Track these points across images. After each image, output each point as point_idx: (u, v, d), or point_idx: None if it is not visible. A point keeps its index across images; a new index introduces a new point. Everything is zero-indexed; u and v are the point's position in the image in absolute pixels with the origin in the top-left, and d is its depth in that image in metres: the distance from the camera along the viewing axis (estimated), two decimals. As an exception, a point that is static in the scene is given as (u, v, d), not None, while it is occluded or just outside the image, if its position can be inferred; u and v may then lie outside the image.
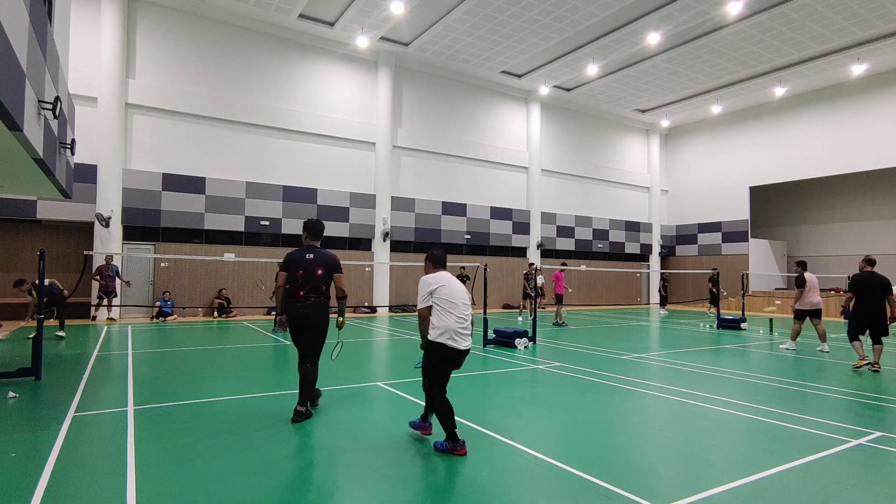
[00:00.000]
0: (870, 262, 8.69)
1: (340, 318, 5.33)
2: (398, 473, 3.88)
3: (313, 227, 5.46)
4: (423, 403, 5.84)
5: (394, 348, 10.30)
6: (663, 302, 21.81)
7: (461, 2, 16.11)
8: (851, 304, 8.79)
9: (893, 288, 8.40)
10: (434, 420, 4.70)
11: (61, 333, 10.81)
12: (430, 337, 4.36)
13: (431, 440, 4.55)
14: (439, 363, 4.35)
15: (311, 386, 5.20)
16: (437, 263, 4.68)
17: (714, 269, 18.71)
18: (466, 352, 4.40)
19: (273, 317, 16.85)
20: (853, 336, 8.64)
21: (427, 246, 20.79)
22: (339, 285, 5.36)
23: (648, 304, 27.45)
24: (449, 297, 4.35)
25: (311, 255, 5.28)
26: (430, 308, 4.37)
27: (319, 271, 5.23)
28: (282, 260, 5.42)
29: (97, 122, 14.97)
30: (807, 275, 10.57)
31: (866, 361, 8.49)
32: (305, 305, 5.18)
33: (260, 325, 14.10)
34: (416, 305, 6.48)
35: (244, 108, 17.31)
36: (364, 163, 19.68)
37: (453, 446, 4.24)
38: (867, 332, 8.51)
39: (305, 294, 5.19)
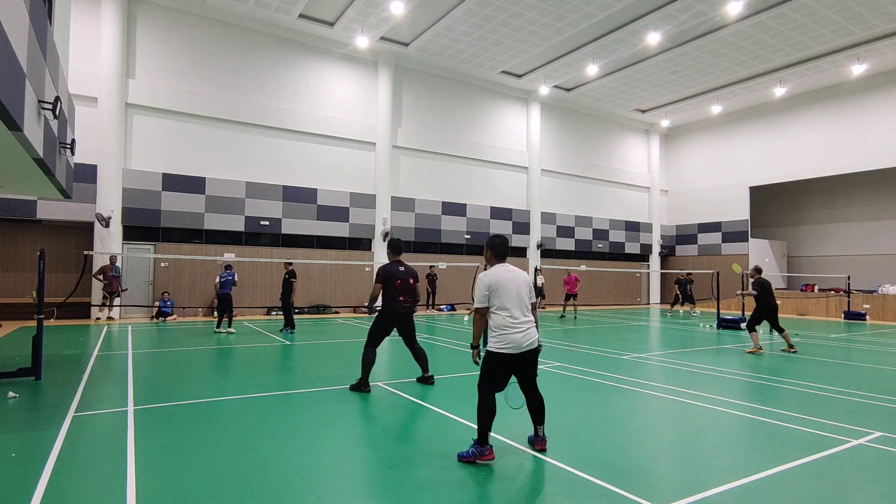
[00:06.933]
0: (759, 270, 10.87)
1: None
2: (402, 474, 3.88)
3: (395, 245, 6.82)
4: (424, 404, 5.86)
5: (393, 348, 10.29)
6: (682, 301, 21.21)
7: (461, 2, 16.11)
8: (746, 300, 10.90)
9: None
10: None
11: (231, 329, 12.26)
12: (489, 346, 4.13)
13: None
14: (494, 367, 4.13)
15: (426, 356, 7.00)
16: (498, 254, 4.26)
17: (685, 272, 18.75)
18: (529, 352, 4.12)
19: (279, 316, 16.85)
20: (752, 327, 10.35)
21: (427, 246, 20.81)
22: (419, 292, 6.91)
23: (648, 304, 27.44)
24: (504, 297, 4.06)
25: (402, 269, 6.73)
26: (487, 309, 4.12)
27: (410, 280, 6.73)
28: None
29: (97, 122, 14.97)
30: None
31: (763, 351, 10.21)
32: (405, 307, 6.75)
33: (260, 326, 14.10)
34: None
35: (244, 108, 17.31)
36: (364, 163, 19.68)
37: (481, 451, 4.02)
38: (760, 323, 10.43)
39: (405, 299, 6.67)
